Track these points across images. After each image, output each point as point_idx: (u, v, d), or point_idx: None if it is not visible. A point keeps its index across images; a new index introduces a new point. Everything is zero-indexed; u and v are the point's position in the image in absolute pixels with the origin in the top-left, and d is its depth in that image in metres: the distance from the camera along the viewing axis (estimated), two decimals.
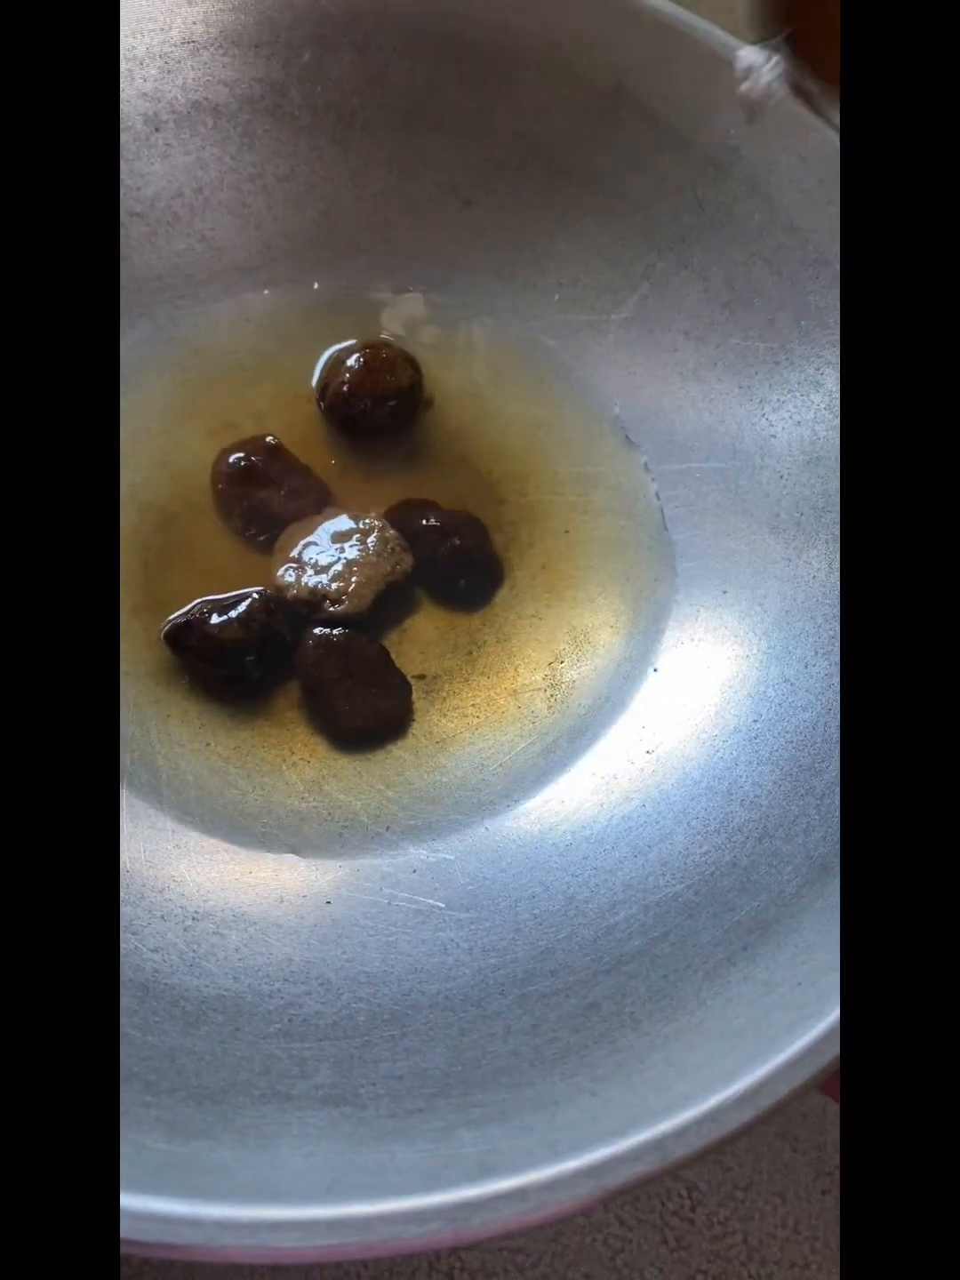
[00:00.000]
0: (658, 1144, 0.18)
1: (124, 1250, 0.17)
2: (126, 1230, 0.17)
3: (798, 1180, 0.30)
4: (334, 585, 0.29)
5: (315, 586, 0.29)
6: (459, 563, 0.31)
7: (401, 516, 0.31)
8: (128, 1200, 0.17)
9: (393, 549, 0.30)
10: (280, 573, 0.30)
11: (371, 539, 0.30)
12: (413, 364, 0.33)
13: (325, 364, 0.34)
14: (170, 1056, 0.21)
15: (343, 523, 0.30)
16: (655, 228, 0.33)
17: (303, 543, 0.30)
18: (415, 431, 0.34)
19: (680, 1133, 0.18)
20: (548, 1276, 0.29)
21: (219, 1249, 0.17)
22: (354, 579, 0.30)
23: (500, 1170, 0.18)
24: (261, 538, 0.31)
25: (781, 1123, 0.31)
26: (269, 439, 0.31)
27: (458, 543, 0.31)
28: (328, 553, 0.30)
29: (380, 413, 0.32)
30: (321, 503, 0.31)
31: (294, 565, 0.30)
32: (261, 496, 0.31)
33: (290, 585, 0.30)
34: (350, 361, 0.33)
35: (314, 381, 0.33)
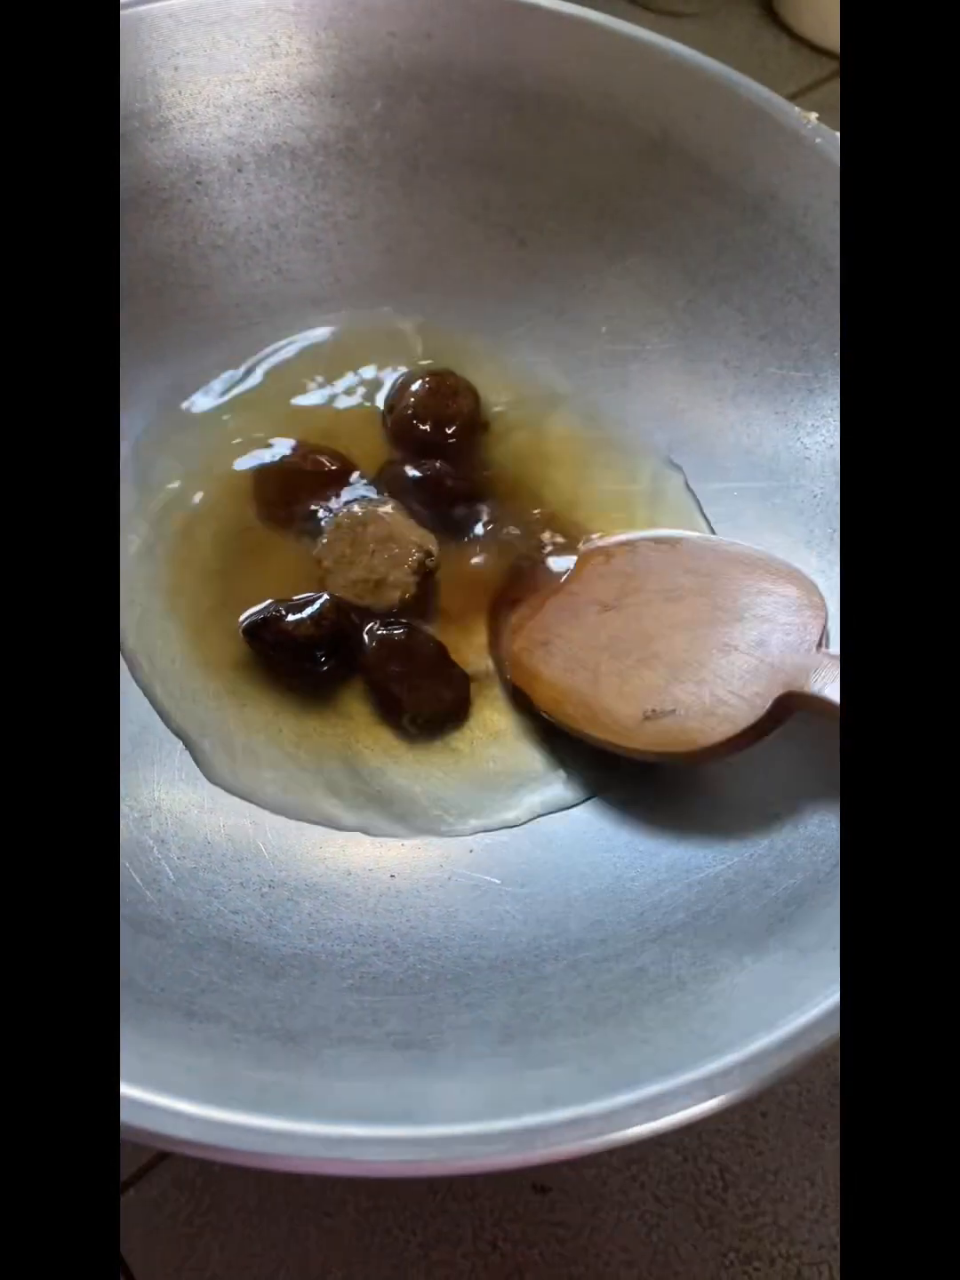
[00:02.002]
0: (706, 1081, 0.20)
1: (227, 1159, 0.19)
2: (228, 1141, 0.19)
3: (826, 1164, 0.32)
4: (381, 587, 0.32)
5: (360, 588, 0.32)
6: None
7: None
8: (230, 1116, 0.19)
9: (415, 538, 0.32)
10: (330, 576, 0.32)
11: (391, 535, 0.32)
12: (472, 392, 0.36)
13: (391, 389, 0.36)
14: (255, 1003, 0.23)
15: (367, 525, 0.32)
16: (697, 266, 0.36)
17: (336, 553, 0.32)
18: (473, 453, 0.36)
19: (726, 1072, 0.20)
20: (586, 1249, 0.30)
21: (311, 1159, 0.19)
22: (391, 574, 0.32)
23: (562, 1102, 0.20)
24: (305, 532, 0.33)
25: (809, 1109, 0.33)
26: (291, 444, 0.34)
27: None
28: (363, 558, 0.32)
29: (442, 436, 0.35)
30: (345, 474, 0.34)
31: (337, 571, 0.32)
32: (294, 494, 0.34)
33: (343, 587, 0.32)
34: (415, 388, 0.35)
35: (380, 404, 0.36)
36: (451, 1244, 0.30)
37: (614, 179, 0.36)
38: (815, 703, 0.26)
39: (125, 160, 0.33)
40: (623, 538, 0.32)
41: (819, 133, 0.33)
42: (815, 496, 0.33)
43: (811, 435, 0.33)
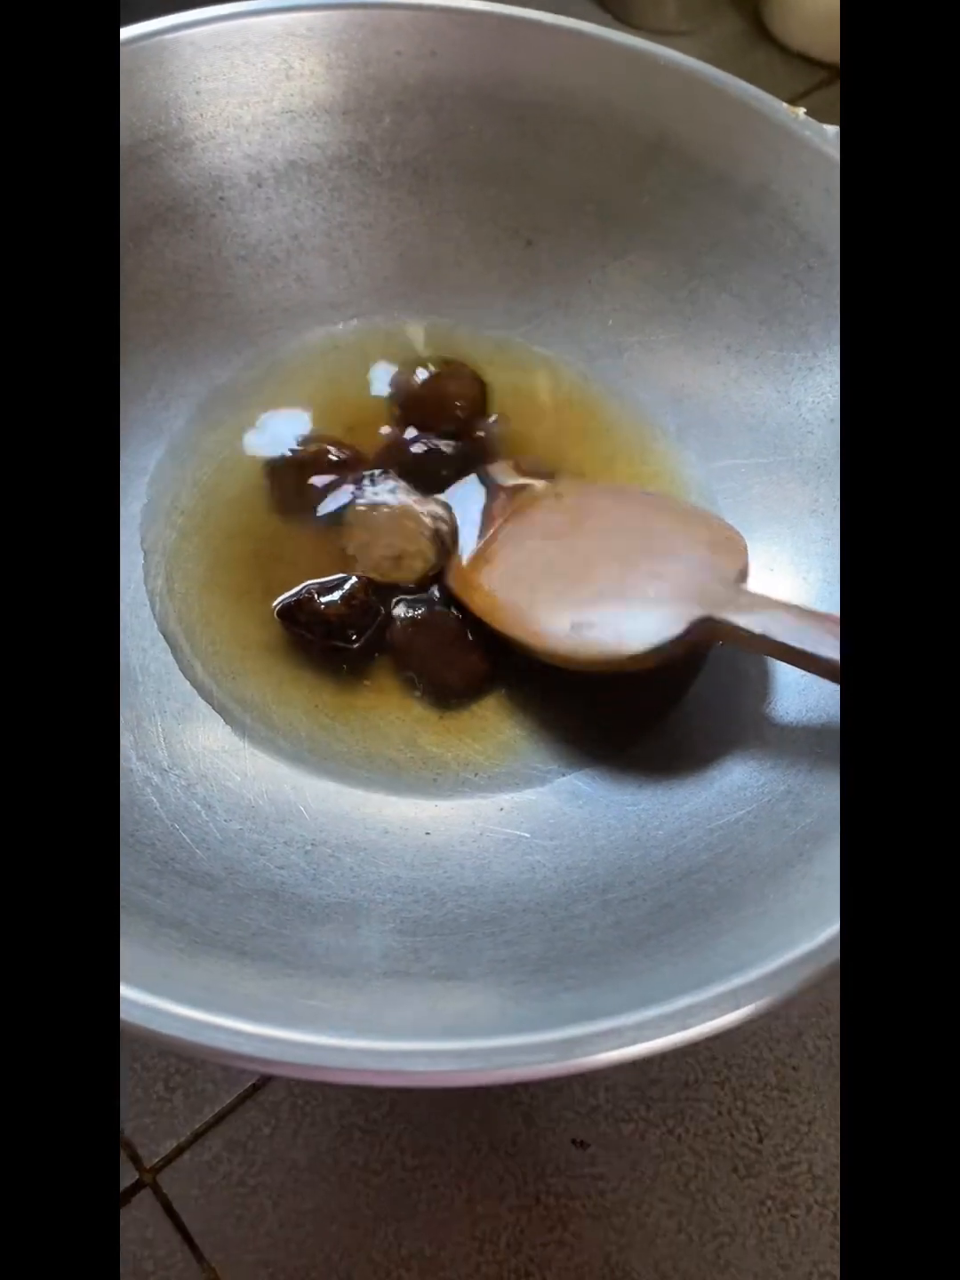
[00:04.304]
0: (733, 994, 0.21)
1: (284, 1073, 0.20)
2: (285, 1055, 0.20)
3: None
4: (401, 561, 0.33)
5: (384, 565, 0.33)
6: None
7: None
8: (285, 1033, 0.20)
9: (427, 509, 0.34)
10: (355, 562, 0.34)
11: (405, 510, 0.34)
12: (479, 381, 0.38)
13: (400, 379, 0.38)
14: (302, 945, 0.25)
15: (381, 506, 0.34)
16: (697, 258, 0.37)
17: (356, 538, 0.34)
18: (482, 441, 0.38)
19: (752, 985, 0.21)
20: (627, 1201, 0.31)
21: (363, 1071, 0.20)
22: (410, 547, 0.33)
23: (598, 1015, 0.21)
24: (322, 520, 0.35)
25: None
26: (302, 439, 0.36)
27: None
28: (381, 538, 0.34)
29: (448, 420, 0.37)
30: (357, 465, 0.35)
31: (361, 554, 0.34)
32: (308, 484, 0.35)
33: (368, 567, 0.33)
34: (421, 376, 0.37)
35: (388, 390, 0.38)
36: (496, 1198, 0.31)
37: (614, 180, 0.38)
38: (730, 629, 0.28)
39: (153, 179, 0.35)
40: (578, 485, 0.35)
41: (807, 126, 0.35)
42: (818, 468, 0.34)
43: (812, 412, 0.35)
